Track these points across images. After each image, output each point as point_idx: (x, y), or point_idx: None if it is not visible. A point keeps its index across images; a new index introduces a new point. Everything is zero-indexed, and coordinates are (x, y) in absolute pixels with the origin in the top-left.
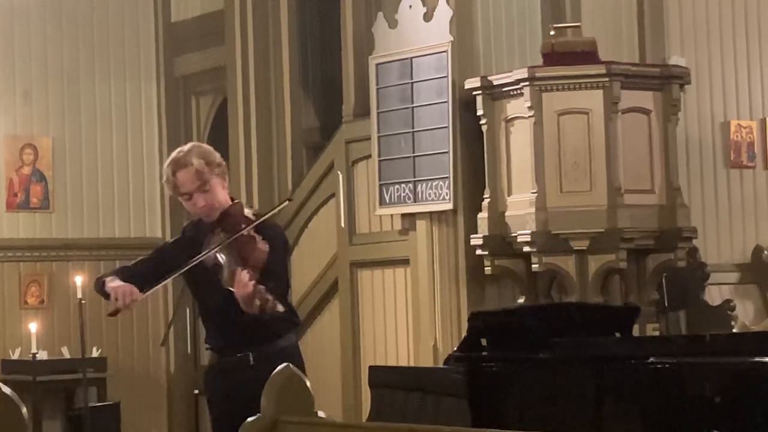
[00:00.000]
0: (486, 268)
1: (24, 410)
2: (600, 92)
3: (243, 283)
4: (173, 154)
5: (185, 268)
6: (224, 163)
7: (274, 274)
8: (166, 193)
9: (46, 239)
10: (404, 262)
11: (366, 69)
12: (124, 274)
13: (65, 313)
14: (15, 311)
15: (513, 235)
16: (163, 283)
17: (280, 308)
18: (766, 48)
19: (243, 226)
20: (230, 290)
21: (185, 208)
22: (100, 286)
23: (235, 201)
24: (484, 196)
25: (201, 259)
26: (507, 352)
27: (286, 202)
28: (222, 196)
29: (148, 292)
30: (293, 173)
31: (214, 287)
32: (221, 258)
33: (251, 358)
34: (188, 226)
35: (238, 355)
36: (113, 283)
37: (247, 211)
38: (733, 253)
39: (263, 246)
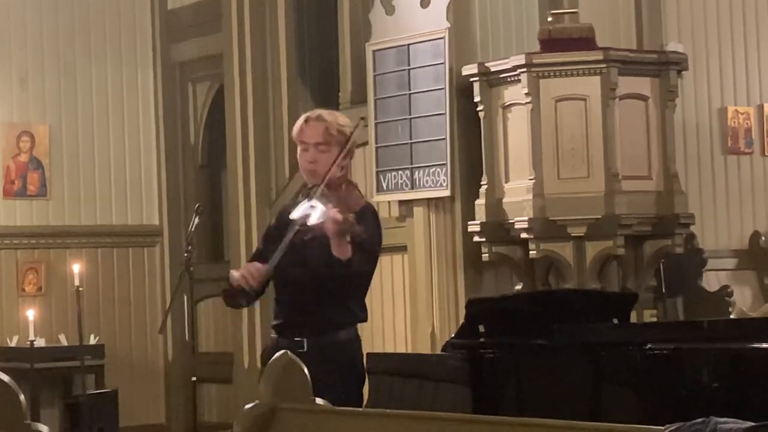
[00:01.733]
0: (483, 255)
1: (22, 397)
2: (597, 78)
3: (333, 215)
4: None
5: (295, 227)
6: (354, 143)
7: (366, 248)
8: (163, 180)
9: (44, 227)
10: (402, 248)
11: (363, 56)
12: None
13: (63, 301)
14: (12, 299)
15: (510, 221)
16: (282, 249)
17: (362, 234)
18: (764, 34)
19: (344, 185)
20: (318, 266)
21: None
22: (228, 293)
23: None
24: (482, 183)
25: (300, 212)
26: (504, 338)
27: (360, 121)
28: (333, 168)
29: (273, 263)
30: (290, 160)
31: (298, 255)
32: (314, 204)
33: (305, 345)
34: (283, 209)
35: (295, 339)
36: (235, 274)
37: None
38: (730, 239)
39: (360, 197)
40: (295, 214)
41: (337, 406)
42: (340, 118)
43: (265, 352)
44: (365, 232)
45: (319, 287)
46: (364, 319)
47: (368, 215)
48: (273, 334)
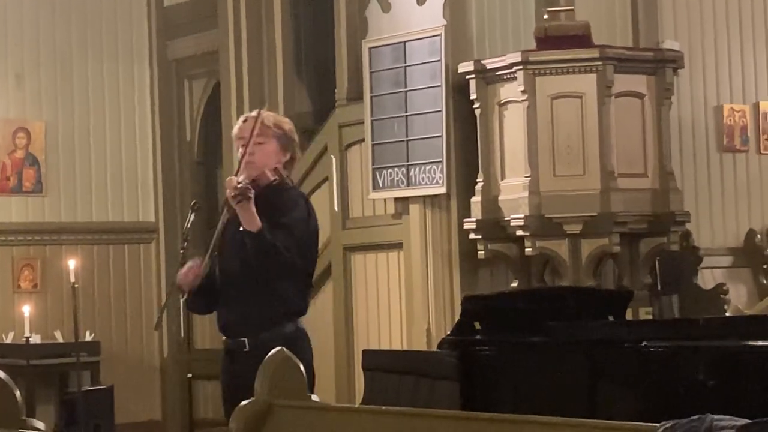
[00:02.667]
0: (479, 252)
1: (17, 394)
2: (593, 76)
3: (227, 183)
4: None
5: (220, 224)
6: (295, 138)
7: (285, 227)
8: (159, 177)
9: (39, 223)
10: (397, 246)
11: (359, 53)
12: None
13: (58, 297)
14: (8, 295)
15: (506, 219)
16: (211, 247)
17: (250, 193)
18: (760, 32)
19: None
20: (242, 250)
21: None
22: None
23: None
24: (478, 180)
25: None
26: (500, 335)
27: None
28: (271, 160)
29: (204, 261)
30: None
31: (228, 244)
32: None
33: (247, 344)
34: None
35: (239, 339)
36: (179, 280)
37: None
38: (726, 237)
39: (270, 174)
40: (222, 220)
41: None
42: (278, 116)
43: (221, 355)
44: (278, 211)
45: (252, 274)
46: (303, 311)
47: (286, 196)
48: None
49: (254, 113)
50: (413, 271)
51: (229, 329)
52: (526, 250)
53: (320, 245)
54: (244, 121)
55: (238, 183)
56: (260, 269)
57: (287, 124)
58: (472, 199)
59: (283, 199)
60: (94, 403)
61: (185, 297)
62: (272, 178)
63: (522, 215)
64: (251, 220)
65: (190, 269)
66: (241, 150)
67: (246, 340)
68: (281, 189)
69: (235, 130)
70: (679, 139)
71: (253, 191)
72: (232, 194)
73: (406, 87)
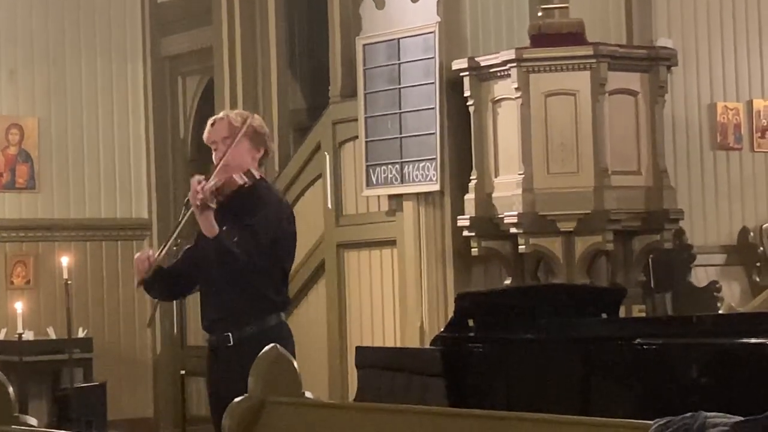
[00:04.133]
0: (473, 250)
1: (10, 390)
2: (587, 74)
3: (192, 189)
4: None
5: (181, 219)
6: (266, 134)
7: (252, 229)
8: (152, 174)
9: (32, 219)
10: (391, 243)
11: (353, 50)
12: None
13: (51, 294)
14: (1, 291)
15: (500, 216)
16: (170, 240)
17: (212, 204)
18: (753, 30)
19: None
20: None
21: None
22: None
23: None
24: (471, 178)
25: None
26: (494, 333)
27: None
28: (245, 160)
29: (161, 251)
30: (280, 154)
31: (204, 247)
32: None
33: (231, 339)
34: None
35: (222, 334)
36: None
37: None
38: (719, 235)
39: (238, 179)
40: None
41: None
42: (246, 113)
43: (207, 353)
44: (246, 213)
45: (224, 275)
46: (282, 305)
47: (256, 197)
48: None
49: (221, 115)
50: (407, 268)
51: (213, 326)
52: (520, 247)
53: (313, 242)
54: (212, 125)
55: (202, 188)
56: (222, 271)
57: (257, 121)
58: (466, 197)
59: (251, 201)
60: (87, 399)
61: (137, 283)
62: (240, 182)
63: (515, 212)
64: (208, 228)
65: (143, 260)
66: (214, 154)
67: (230, 334)
68: (250, 191)
69: (205, 135)
70: (673, 137)
71: (214, 201)
72: (196, 203)
73: (400, 84)
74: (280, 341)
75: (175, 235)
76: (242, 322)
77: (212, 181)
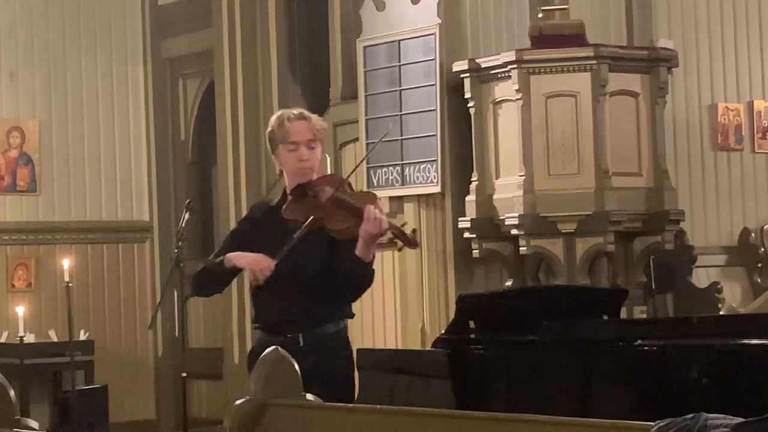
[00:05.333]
0: (474, 251)
1: (11, 393)
2: (588, 75)
3: (375, 216)
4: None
5: (300, 233)
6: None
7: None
8: (153, 176)
9: (33, 222)
10: (392, 244)
11: (353, 52)
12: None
13: (52, 297)
14: (2, 294)
15: (501, 218)
16: (286, 250)
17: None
18: (754, 31)
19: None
20: (306, 258)
21: (279, 161)
22: (204, 275)
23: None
24: (472, 179)
25: (310, 221)
26: (495, 334)
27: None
28: (318, 165)
29: (280, 256)
30: None
31: (304, 250)
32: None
33: (301, 340)
34: (257, 208)
35: (288, 335)
36: (242, 260)
37: None
38: (720, 236)
39: (372, 194)
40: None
41: (335, 398)
42: (314, 116)
43: (255, 351)
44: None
45: (313, 284)
46: (352, 315)
47: None
48: (261, 333)
49: (297, 113)
50: (408, 270)
51: (278, 326)
52: (521, 249)
53: None
54: (290, 121)
55: (386, 226)
56: (347, 284)
57: (325, 124)
58: (467, 198)
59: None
60: (88, 402)
61: (254, 286)
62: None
63: (516, 214)
64: (368, 251)
65: (266, 264)
66: (289, 153)
67: (300, 336)
68: None
69: (281, 131)
70: (674, 138)
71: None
72: (379, 232)
73: (400, 86)
74: (345, 343)
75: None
76: (314, 325)
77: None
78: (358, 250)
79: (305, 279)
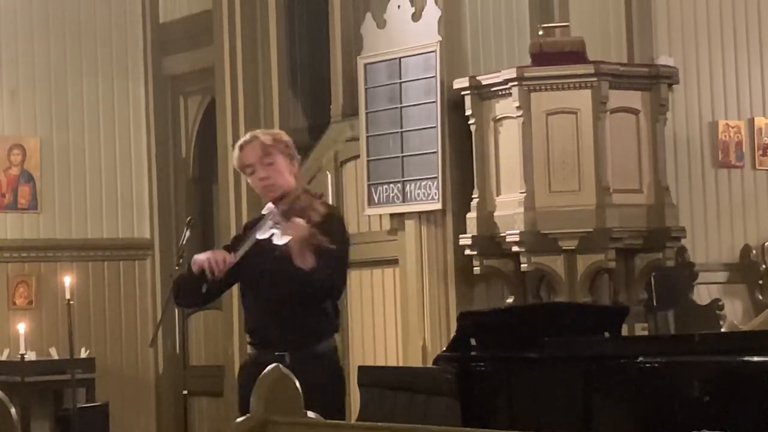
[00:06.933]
0: (475, 268)
1: (12, 411)
2: (588, 92)
3: (297, 225)
4: None
5: (253, 238)
6: (294, 147)
7: (331, 257)
8: (154, 193)
9: (34, 240)
10: (393, 262)
11: (354, 69)
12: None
13: (53, 314)
14: (3, 312)
15: (502, 234)
16: (244, 249)
17: (329, 245)
18: (754, 48)
19: (303, 199)
20: (287, 279)
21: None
22: (181, 281)
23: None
24: (473, 196)
25: (261, 227)
26: (496, 351)
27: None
28: (287, 177)
29: (239, 254)
30: None
31: (266, 270)
32: (277, 228)
33: (288, 359)
34: (249, 222)
35: (276, 353)
36: (201, 257)
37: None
38: (721, 253)
39: (319, 207)
40: (261, 234)
41: (326, 417)
42: (270, 130)
43: (245, 368)
44: (332, 243)
45: (294, 300)
46: (337, 328)
47: (335, 224)
48: (250, 350)
49: (247, 138)
50: (409, 287)
51: (266, 344)
52: (522, 265)
53: None
54: (242, 149)
55: (316, 234)
56: (303, 299)
57: (284, 135)
58: (468, 215)
59: (331, 228)
60: (89, 420)
61: (208, 281)
62: (323, 211)
63: (517, 231)
64: (306, 260)
65: (220, 260)
66: (251, 177)
67: (287, 354)
68: (329, 218)
69: (237, 161)
70: (675, 155)
71: (324, 239)
72: (304, 240)
73: (401, 103)
74: (336, 363)
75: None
76: (301, 343)
77: (313, 230)
78: (294, 259)
79: (286, 295)
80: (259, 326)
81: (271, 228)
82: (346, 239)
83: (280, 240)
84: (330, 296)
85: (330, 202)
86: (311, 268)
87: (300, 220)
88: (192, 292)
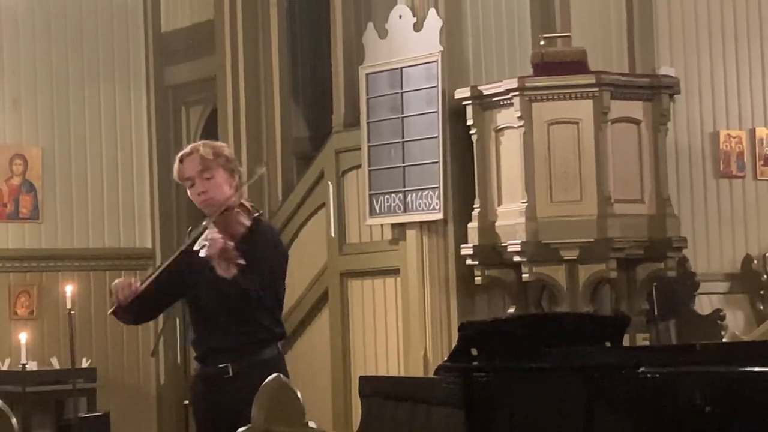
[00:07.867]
0: (476, 278)
1: (14, 421)
2: (590, 102)
3: (213, 240)
4: None
5: (172, 257)
6: (236, 161)
7: (257, 268)
8: (156, 203)
9: (36, 250)
10: (394, 272)
11: (356, 79)
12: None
13: (55, 324)
14: (4, 322)
15: (503, 244)
16: (155, 274)
17: (240, 261)
18: (756, 58)
19: (234, 210)
20: (217, 289)
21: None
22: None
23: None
24: (474, 206)
25: (187, 243)
26: (497, 361)
27: (263, 170)
28: (226, 191)
29: (145, 283)
30: (283, 183)
31: (201, 281)
32: (208, 233)
33: (230, 370)
34: (191, 230)
35: (219, 365)
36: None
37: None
38: (722, 263)
39: (245, 220)
40: (197, 245)
41: None
42: (213, 142)
43: (193, 388)
44: (251, 255)
45: (229, 309)
46: (282, 335)
47: (259, 236)
48: (195, 366)
49: (188, 150)
50: (410, 297)
51: (209, 357)
52: (523, 275)
53: (317, 271)
54: (181, 162)
55: (230, 248)
56: (235, 308)
57: (225, 149)
58: (469, 225)
59: (257, 240)
60: (91, 429)
61: (113, 308)
62: (247, 224)
63: (519, 241)
64: (226, 270)
65: (124, 286)
66: (190, 190)
67: (229, 365)
68: (254, 230)
69: (176, 173)
70: (676, 165)
71: (239, 259)
72: (221, 253)
73: (402, 113)
74: (278, 370)
75: (163, 267)
76: (242, 353)
77: (227, 243)
78: (217, 269)
79: (221, 306)
80: (200, 337)
81: (203, 240)
82: (274, 250)
83: (204, 252)
84: (259, 305)
85: (265, 216)
86: (233, 278)
87: (217, 235)
88: (123, 313)
